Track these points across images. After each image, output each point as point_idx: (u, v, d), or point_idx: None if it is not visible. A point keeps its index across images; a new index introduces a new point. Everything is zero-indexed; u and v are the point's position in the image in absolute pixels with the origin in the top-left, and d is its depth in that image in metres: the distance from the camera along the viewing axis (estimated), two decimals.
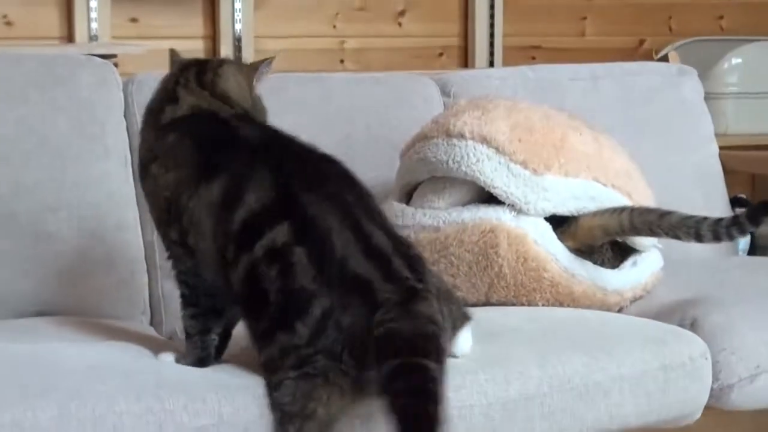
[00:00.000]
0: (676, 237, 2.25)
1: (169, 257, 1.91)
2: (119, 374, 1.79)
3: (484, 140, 2.30)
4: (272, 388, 1.76)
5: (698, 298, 2.28)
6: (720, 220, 2.20)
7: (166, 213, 1.87)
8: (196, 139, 1.88)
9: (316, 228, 1.78)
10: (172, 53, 1.98)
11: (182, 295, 1.90)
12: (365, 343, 1.72)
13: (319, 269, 1.75)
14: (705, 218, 2.22)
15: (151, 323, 2.38)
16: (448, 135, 2.34)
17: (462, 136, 2.32)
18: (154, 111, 1.93)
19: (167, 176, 1.86)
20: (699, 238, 2.21)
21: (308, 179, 1.83)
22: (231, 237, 1.79)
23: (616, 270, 2.33)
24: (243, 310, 1.83)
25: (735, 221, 2.19)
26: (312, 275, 1.74)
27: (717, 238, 2.21)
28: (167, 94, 1.93)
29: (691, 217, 2.23)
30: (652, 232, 2.27)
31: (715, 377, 2.13)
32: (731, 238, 2.23)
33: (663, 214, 2.25)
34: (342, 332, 1.73)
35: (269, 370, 1.77)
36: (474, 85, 2.78)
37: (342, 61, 3.64)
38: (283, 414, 1.75)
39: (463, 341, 1.91)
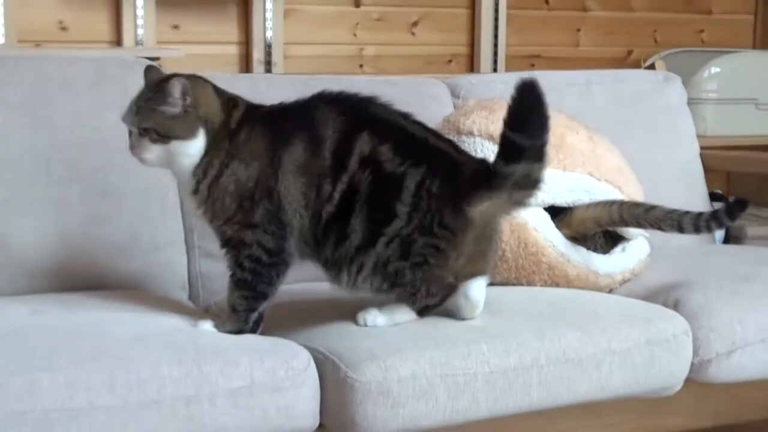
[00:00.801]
0: (660, 229, 2.24)
1: (244, 246, 1.89)
2: (161, 342, 1.80)
3: (491, 137, 2.29)
4: (396, 276, 1.87)
5: (681, 282, 2.28)
6: (700, 214, 2.20)
7: (250, 200, 1.88)
8: (263, 127, 1.91)
9: (390, 126, 1.90)
10: (150, 68, 1.98)
11: (241, 280, 1.90)
12: (452, 209, 1.85)
13: (404, 155, 1.86)
14: (687, 212, 2.21)
15: (189, 297, 2.38)
16: (459, 132, 2.34)
17: (471, 133, 2.32)
18: (222, 120, 1.90)
19: (249, 168, 1.88)
20: (681, 230, 2.21)
21: (362, 102, 1.93)
22: (326, 173, 1.87)
23: (607, 255, 2.33)
24: (336, 237, 1.88)
25: (714, 216, 2.18)
26: (399, 162, 1.85)
27: (697, 230, 2.20)
28: (227, 102, 1.92)
29: (674, 211, 2.22)
30: (638, 224, 2.27)
31: (695, 353, 2.13)
32: (710, 230, 2.22)
33: (649, 208, 2.25)
34: (432, 198, 1.85)
35: (382, 268, 1.87)
36: (480, 88, 2.77)
37: (361, 66, 3.63)
38: (408, 285, 1.88)
39: (477, 287, 1.96)
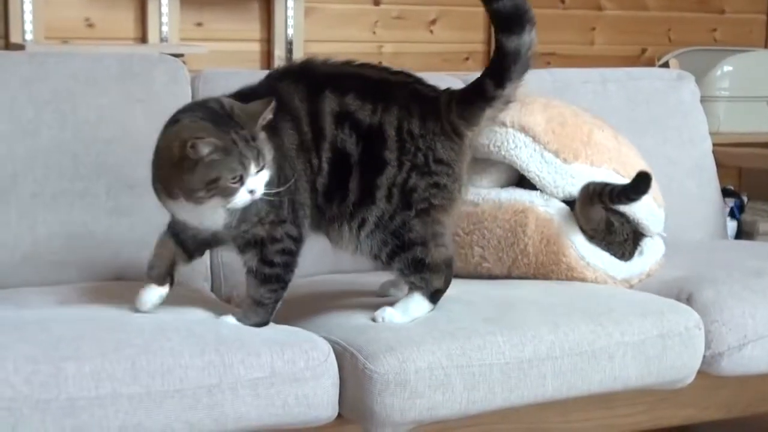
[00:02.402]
0: (591, 201, 2.23)
1: (274, 242, 1.85)
2: (184, 332, 1.79)
3: (523, 129, 2.27)
4: (403, 230, 1.87)
5: (693, 276, 2.27)
6: (614, 188, 2.19)
7: (277, 196, 1.82)
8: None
9: (345, 76, 1.89)
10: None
11: (271, 275, 1.86)
12: (443, 142, 1.87)
13: (372, 99, 1.85)
14: (607, 185, 2.21)
15: (212, 289, 2.38)
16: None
17: (503, 124, 2.29)
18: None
19: (271, 167, 1.81)
20: (601, 202, 2.21)
21: (307, 65, 1.91)
22: (311, 147, 1.85)
23: (627, 262, 2.29)
24: (337, 203, 1.87)
25: (623, 190, 2.19)
26: (370, 109, 1.84)
27: (611, 201, 2.20)
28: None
29: (599, 184, 2.22)
30: (589, 198, 2.23)
31: (707, 346, 2.12)
32: (621, 203, 2.21)
33: (589, 185, 2.23)
34: (415, 138, 1.85)
35: (388, 222, 1.86)
36: None
37: (380, 63, 3.62)
38: (417, 244, 1.88)
39: None
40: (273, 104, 1.77)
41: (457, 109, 1.89)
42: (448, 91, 1.93)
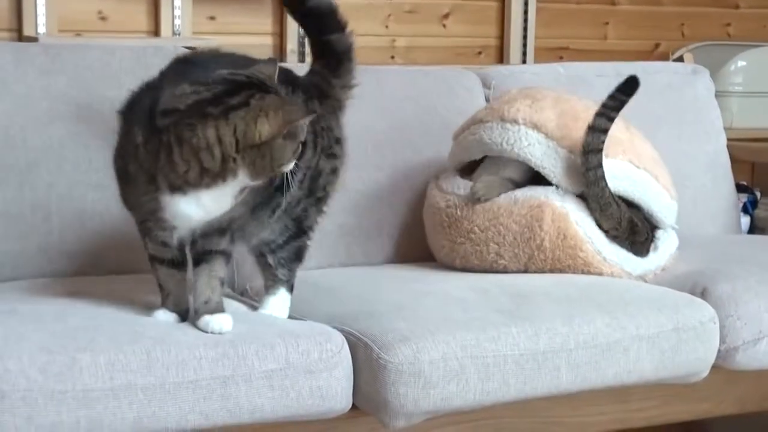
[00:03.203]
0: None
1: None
2: None
3: (535, 126, 2.27)
4: (302, 216, 1.90)
5: (708, 270, 2.27)
6: (606, 99, 2.25)
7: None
8: None
9: (238, 59, 1.85)
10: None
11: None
12: (336, 119, 1.91)
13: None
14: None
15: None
16: (503, 120, 2.31)
17: (515, 121, 2.29)
18: None
19: None
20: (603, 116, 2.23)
21: (196, 56, 1.98)
22: None
23: (643, 258, 2.28)
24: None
25: (613, 94, 2.24)
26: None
27: (605, 110, 2.23)
28: None
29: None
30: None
31: (722, 340, 2.12)
32: (614, 107, 2.24)
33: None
34: (319, 118, 1.85)
35: (292, 208, 1.88)
36: (511, 79, 2.75)
37: (393, 57, 3.62)
38: (305, 232, 1.93)
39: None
40: (277, 63, 1.75)
41: (332, 76, 1.92)
42: (307, 76, 1.94)
